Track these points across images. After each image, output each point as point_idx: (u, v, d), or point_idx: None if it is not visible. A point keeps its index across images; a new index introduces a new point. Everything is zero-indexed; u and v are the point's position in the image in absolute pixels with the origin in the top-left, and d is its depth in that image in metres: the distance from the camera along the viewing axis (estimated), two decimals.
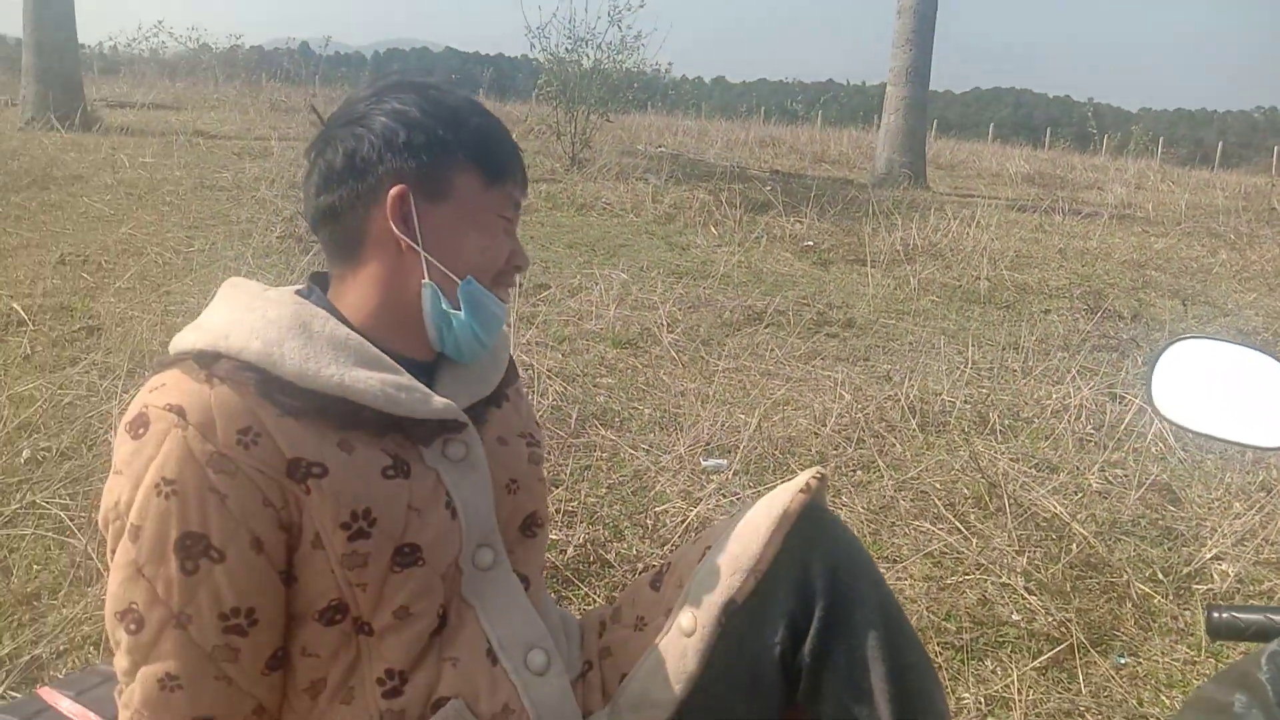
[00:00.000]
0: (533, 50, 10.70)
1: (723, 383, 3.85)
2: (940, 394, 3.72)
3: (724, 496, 2.81)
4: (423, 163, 1.14)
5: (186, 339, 1.11)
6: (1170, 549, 2.75)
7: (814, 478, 1.28)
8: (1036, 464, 3.23)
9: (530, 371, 3.62)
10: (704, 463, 3.06)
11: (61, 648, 1.98)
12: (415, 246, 1.15)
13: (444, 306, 1.17)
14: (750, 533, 1.24)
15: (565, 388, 3.60)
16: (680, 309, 4.91)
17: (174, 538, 1.03)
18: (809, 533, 1.25)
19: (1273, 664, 0.81)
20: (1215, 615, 1.21)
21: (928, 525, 2.74)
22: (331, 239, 1.19)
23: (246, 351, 1.08)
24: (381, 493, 1.10)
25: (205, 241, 5.55)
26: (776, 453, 3.16)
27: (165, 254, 5.18)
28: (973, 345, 4.55)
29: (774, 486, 3.01)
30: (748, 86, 79.09)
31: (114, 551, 1.06)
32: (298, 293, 1.20)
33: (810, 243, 7.06)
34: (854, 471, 3.12)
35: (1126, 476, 3.14)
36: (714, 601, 1.22)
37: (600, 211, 7.82)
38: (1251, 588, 2.60)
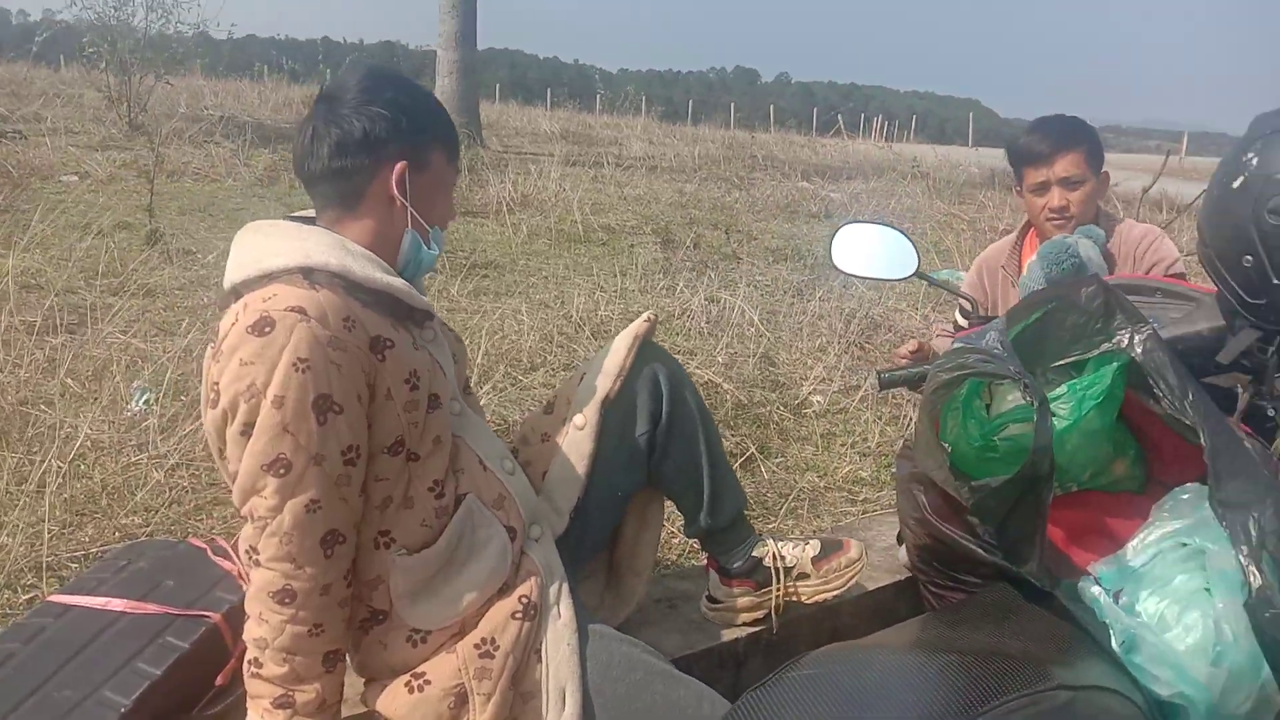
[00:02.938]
0: (73, 8, 9.79)
1: None
2: (596, 310, 4.69)
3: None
4: (416, 144, 1.66)
5: (272, 263, 1.52)
6: (783, 393, 4.00)
7: (649, 318, 1.94)
8: (679, 352, 4.33)
9: None
10: None
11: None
12: (407, 205, 1.66)
13: (421, 247, 1.70)
14: (614, 353, 1.88)
15: None
16: None
17: (311, 399, 1.44)
18: (651, 351, 1.93)
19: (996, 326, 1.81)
20: (883, 375, 2.21)
21: None
22: (335, 190, 1.61)
23: (329, 265, 1.52)
24: (417, 359, 1.63)
25: None
26: (500, 363, 3.91)
27: None
28: (595, 274, 5.60)
29: (504, 384, 3.72)
30: (314, 44, 75.80)
31: (247, 424, 1.45)
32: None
33: None
34: (559, 370, 3.97)
35: (743, 352, 4.37)
36: (595, 401, 1.85)
37: (194, 177, 7.67)
38: (834, 406, 3.92)
